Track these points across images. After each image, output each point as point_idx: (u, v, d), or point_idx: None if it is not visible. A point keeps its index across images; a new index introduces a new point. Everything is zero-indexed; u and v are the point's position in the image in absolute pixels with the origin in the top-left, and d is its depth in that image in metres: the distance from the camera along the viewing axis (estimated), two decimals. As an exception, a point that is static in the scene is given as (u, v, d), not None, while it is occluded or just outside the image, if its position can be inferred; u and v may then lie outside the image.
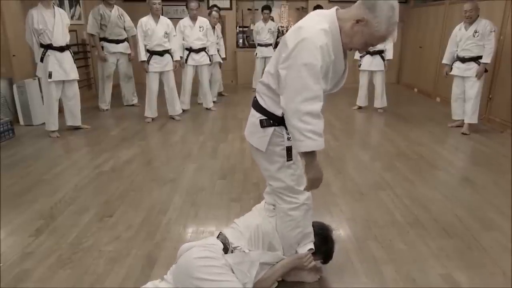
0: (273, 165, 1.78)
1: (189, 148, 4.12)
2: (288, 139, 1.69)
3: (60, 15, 4.25)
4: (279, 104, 1.60)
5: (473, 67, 4.45)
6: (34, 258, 2.16)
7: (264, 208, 2.05)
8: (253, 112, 1.79)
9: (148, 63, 4.96)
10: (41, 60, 4.22)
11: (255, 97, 1.79)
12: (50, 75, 4.21)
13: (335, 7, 1.62)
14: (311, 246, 1.93)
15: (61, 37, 4.24)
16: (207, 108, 5.87)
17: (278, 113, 1.66)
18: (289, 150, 1.72)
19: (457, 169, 3.65)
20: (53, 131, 4.41)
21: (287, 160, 1.74)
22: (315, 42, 1.49)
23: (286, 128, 1.67)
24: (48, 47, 4.19)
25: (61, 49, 4.25)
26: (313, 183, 1.67)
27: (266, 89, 1.70)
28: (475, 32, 4.36)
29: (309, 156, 1.60)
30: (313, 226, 1.95)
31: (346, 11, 1.58)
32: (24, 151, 3.94)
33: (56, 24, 4.18)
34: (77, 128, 4.68)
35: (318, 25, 1.54)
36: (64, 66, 4.28)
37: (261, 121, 1.72)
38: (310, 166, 1.62)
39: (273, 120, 1.70)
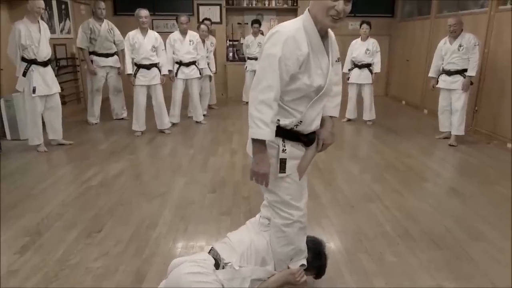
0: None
1: (179, 161, 4.11)
2: (283, 151, 1.68)
3: (44, 29, 4.21)
4: None
5: (458, 80, 4.54)
6: (19, 276, 2.12)
7: (259, 222, 2.03)
8: None
9: (135, 77, 4.96)
10: (24, 74, 4.11)
11: None
12: (34, 90, 4.12)
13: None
14: (304, 262, 1.92)
15: (46, 51, 4.20)
16: (197, 122, 5.86)
17: None
18: (283, 162, 1.70)
19: (445, 180, 3.70)
20: (40, 145, 4.34)
21: (280, 173, 1.71)
22: (281, 35, 1.55)
23: (282, 140, 1.68)
24: (32, 62, 4.11)
25: (45, 64, 4.20)
26: (254, 176, 1.67)
27: None
28: (460, 46, 4.46)
29: (257, 146, 1.61)
30: (306, 240, 1.93)
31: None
32: (11, 166, 3.88)
33: (42, 39, 4.13)
34: (61, 144, 4.61)
35: (293, 23, 1.62)
36: (47, 81, 4.21)
37: None
38: (255, 157, 1.64)
39: None
